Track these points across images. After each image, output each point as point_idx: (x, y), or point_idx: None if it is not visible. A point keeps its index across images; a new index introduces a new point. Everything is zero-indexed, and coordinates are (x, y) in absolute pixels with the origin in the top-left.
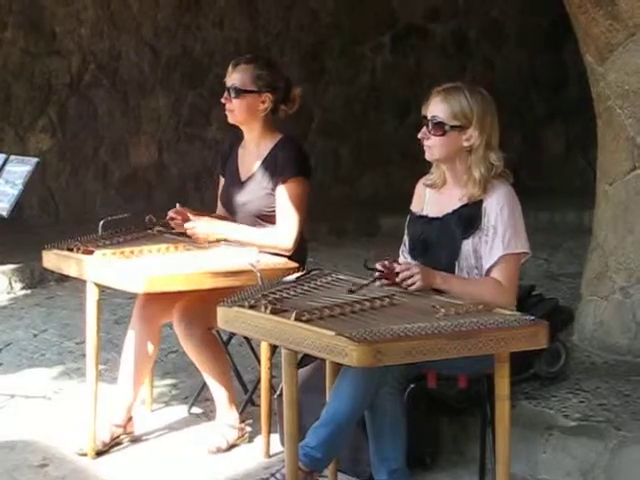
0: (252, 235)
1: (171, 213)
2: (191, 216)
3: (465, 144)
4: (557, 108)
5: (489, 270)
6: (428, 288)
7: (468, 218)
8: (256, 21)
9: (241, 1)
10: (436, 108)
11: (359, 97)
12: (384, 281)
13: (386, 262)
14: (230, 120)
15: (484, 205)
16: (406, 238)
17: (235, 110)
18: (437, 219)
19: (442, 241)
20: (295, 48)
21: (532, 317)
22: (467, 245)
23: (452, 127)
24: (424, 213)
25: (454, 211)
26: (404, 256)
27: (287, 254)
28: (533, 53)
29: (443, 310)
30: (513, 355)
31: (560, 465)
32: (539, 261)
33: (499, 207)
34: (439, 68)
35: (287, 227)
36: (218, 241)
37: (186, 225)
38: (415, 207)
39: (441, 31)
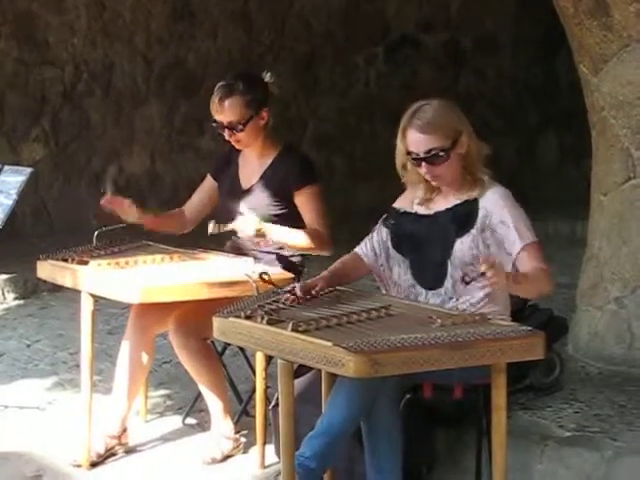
0: (295, 237)
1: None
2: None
3: (461, 151)
4: (550, 118)
5: (516, 262)
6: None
7: (464, 216)
8: (250, 31)
9: (235, 11)
10: (425, 142)
11: (353, 108)
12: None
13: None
14: (239, 147)
15: (481, 203)
16: (373, 235)
17: (242, 139)
18: (427, 216)
19: (433, 239)
20: (288, 58)
21: (529, 328)
22: (461, 244)
23: (451, 146)
24: (412, 211)
25: (447, 209)
26: (363, 249)
27: (327, 254)
28: (526, 63)
29: (440, 320)
30: (508, 366)
31: (556, 476)
32: None
33: (502, 202)
34: (432, 79)
35: (326, 231)
36: (263, 235)
37: (233, 225)
38: (401, 204)
39: (434, 42)
